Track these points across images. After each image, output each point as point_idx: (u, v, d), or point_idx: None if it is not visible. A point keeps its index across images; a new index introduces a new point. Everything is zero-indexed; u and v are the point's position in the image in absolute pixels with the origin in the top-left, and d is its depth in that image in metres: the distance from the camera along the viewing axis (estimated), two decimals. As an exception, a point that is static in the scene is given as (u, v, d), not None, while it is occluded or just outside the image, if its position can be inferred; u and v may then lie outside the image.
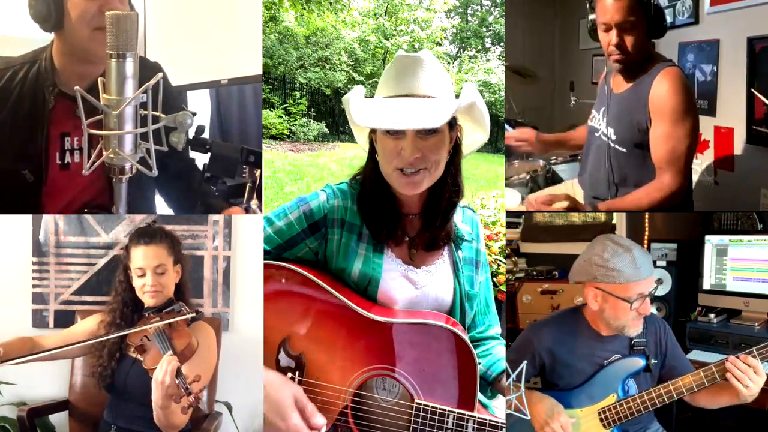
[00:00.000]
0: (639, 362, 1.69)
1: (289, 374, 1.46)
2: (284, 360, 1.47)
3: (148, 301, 1.79)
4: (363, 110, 1.42)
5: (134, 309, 1.83)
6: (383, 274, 1.48)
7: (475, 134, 1.54)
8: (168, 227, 1.94)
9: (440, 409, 1.39)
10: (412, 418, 1.41)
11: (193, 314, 1.75)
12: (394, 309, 1.48)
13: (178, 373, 1.53)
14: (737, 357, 1.54)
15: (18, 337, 1.74)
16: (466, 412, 1.39)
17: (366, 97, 1.50)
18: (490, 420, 1.38)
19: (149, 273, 1.77)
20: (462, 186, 1.52)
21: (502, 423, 1.38)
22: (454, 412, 1.39)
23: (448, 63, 11.57)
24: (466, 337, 1.42)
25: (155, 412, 1.61)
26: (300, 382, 1.45)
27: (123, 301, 1.83)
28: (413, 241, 1.53)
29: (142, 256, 1.78)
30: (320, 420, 1.40)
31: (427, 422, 1.40)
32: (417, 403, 1.41)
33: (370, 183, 1.50)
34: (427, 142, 1.39)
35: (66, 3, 1.49)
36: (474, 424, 1.38)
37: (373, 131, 1.48)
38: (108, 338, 1.76)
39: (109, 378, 1.79)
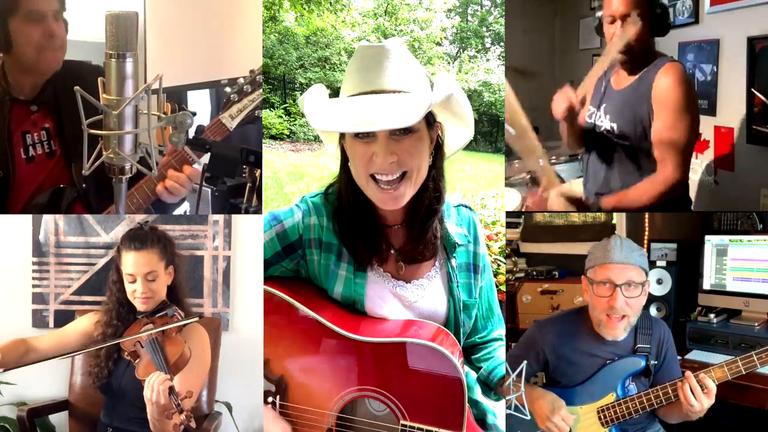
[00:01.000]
0: (639, 362, 1.69)
1: (270, 398, 1.42)
2: (264, 384, 1.43)
3: (139, 306, 1.78)
4: (321, 111, 1.26)
5: (129, 309, 1.82)
6: (369, 293, 1.40)
7: (457, 130, 1.39)
8: (164, 227, 1.92)
9: (426, 429, 1.34)
10: None
11: (193, 319, 1.76)
12: (383, 320, 1.41)
13: (171, 390, 1.52)
14: (696, 375, 1.56)
15: (12, 341, 1.74)
16: None
17: (331, 97, 1.35)
18: None
19: (140, 280, 1.75)
20: (443, 191, 1.39)
21: None
22: None
23: (448, 63, 11.58)
24: (452, 355, 1.33)
25: (151, 423, 1.61)
26: (282, 406, 1.41)
27: (118, 300, 1.82)
28: (399, 254, 1.42)
29: (132, 263, 1.76)
30: None
31: None
32: (403, 425, 1.35)
33: (346, 198, 1.36)
34: (402, 143, 1.25)
35: (10, 29, 1.63)
36: None
37: (342, 137, 1.34)
38: (105, 345, 1.76)
39: (105, 378, 1.80)
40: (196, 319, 1.77)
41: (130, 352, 1.69)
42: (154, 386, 1.52)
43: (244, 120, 1.80)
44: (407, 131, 1.25)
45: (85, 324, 1.87)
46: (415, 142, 1.27)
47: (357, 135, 1.26)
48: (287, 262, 1.42)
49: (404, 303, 1.43)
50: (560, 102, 2.05)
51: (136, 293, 1.76)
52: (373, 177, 1.28)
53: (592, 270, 1.69)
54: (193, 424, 1.51)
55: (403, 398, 1.36)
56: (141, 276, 1.75)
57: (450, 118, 1.38)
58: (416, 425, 1.34)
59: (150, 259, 1.77)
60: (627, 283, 1.63)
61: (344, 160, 1.36)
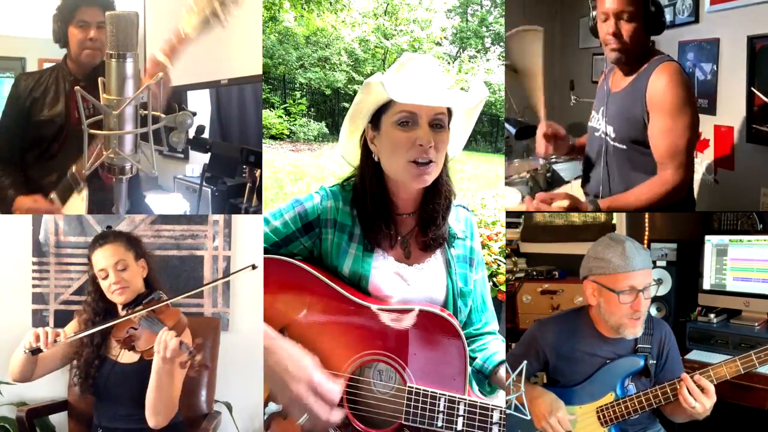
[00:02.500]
0: (638, 362, 1.69)
1: None
2: None
3: (117, 299, 1.80)
4: (397, 89, 1.43)
5: (105, 317, 1.84)
6: (373, 271, 1.52)
7: (457, 139, 1.58)
8: (164, 227, 1.93)
9: (431, 392, 1.44)
10: (405, 402, 1.45)
11: (178, 297, 1.80)
12: (388, 302, 1.52)
13: (180, 343, 1.59)
14: (692, 376, 1.57)
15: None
16: (457, 395, 1.43)
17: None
18: (480, 402, 1.42)
19: (111, 271, 1.79)
20: (454, 187, 1.57)
21: (492, 405, 1.42)
22: (445, 395, 1.43)
23: (448, 63, 11.56)
24: (455, 322, 1.47)
25: (154, 386, 1.65)
26: None
27: (94, 310, 1.85)
28: (405, 241, 1.56)
29: (101, 257, 1.81)
30: (336, 381, 1.45)
31: (419, 405, 1.44)
32: (409, 387, 1.45)
33: (369, 187, 1.52)
34: (437, 134, 1.43)
35: (67, 32, 2.14)
36: (465, 406, 1.42)
37: (373, 128, 1.50)
38: (86, 334, 1.78)
39: (91, 383, 1.82)
40: (181, 297, 1.84)
41: (124, 339, 1.70)
42: (165, 342, 1.59)
43: None
44: (440, 126, 1.45)
45: (69, 332, 1.87)
46: (444, 136, 1.47)
47: (400, 124, 1.44)
48: (305, 239, 1.55)
49: (406, 283, 1.54)
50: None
51: (111, 286, 1.79)
52: (412, 161, 1.44)
53: (611, 277, 1.64)
54: (208, 364, 1.62)
55: (409, 363, 1.46)
56: (111, 267, 1.79)
57: (458, 126, 1.55)
58: (422, 388, 1.44)
59: (116, 250, 1.82)
60: (646, 287, 1.64)
61: (366, 153, 1.54)
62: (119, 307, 1.83)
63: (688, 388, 1.56)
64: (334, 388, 1.43)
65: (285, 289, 1.53)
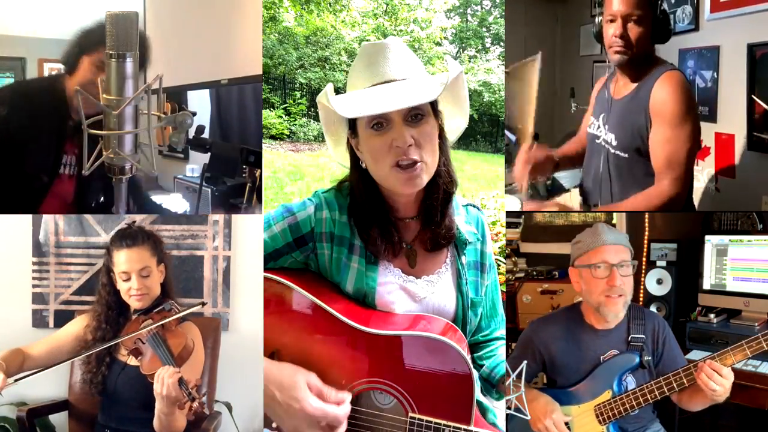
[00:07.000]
0: (633, 359, 1.70)
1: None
2: None
3: (134, 304, 1.78)
4: (346, 103, 1.31)
5: (119, 312, 1.82)
6: (379, 287, 1.42)
7: (454, 119, 1.45)
8: (164, 227, 1.93)
9: (435, 423, 1.34)
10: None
11: (195, 308, 1.76)
12: (392, 314, 1.43)
13: (180, 381, 1.53)
14: (704, 362, 1.57)
15: (9, 352, 1.75)
16: (462, 426, 1.34)
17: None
18: None
19: (134, 276, 1.76)
20: (455, 176, 1.43)
21: None
22: (449, 425, 1.34)
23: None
24: (461, 350, 1.35)
25: (157, 420, 1.61)
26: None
27: (107, 304, 1.82)
28: (411, 248, 1.45)
29: (125, 260, 1.76)
30: (340, 396, 1.34)
31: None
32: (411, 417, 1.36)
33: (359, 193, 1.41)
34: (417, 128, 1.30)
35: (80, 62, 1.92)
36: None
37: (353, 135, 1.39)
38: (100, 348, 1.75)
39: (101, 383, 1.80)
40: (199, 306, 1.79)
41: (132, 349, 1.69)
42: (163, 380, 1.53)
43: None
44: (419, 117, 1.31)
45: (76, 328, 1.87)
46: (426, 127, 1.32)
47: (372, 127, 1.31)
48: (297, 254, 1.44)
49: (414, 298, 1.45)
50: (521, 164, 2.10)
51: (131, 290, 1.76)
52: (396, 165, 1.31)
53: (585, 255, 1.72)
54: (207, 411, 1.54)
55: (411, 391, 1.37)
56: (135, 272, 1.76)
57: (449, 106, 1.42)
58: (425, 418, 1.35)
59: (142, 255, 1.78)
60: (620, 262, 1.68)
61: (354, 159, 1.41)
62: (131, 308, 1.81)
63: (706, 374, 1.55)
64: (338, 411, 1.32)
65: (273, 310, 1.42)
